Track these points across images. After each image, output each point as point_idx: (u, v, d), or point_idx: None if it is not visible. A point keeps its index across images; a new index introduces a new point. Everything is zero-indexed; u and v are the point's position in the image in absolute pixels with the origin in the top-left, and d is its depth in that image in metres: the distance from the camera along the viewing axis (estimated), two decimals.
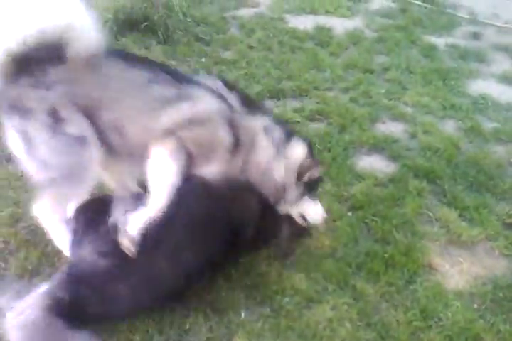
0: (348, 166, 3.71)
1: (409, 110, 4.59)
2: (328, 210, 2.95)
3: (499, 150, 4.10)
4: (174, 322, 2.44)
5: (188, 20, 5.75)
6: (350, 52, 5.69)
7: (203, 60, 5.21)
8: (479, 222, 3.28)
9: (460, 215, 3.35)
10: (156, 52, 5.22)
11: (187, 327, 2.43)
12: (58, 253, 2.61)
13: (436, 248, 3.11)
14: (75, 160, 2.31)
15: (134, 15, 5.42)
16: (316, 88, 4.82)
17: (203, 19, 6.02)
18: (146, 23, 5.36)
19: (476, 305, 2.74)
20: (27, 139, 2.23)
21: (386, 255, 2.96)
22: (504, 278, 2.91)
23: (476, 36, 6.40)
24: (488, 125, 4.44)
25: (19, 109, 2.22)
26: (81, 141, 2.30)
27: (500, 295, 2.79)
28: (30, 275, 2.60)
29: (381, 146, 4.01)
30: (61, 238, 2.50)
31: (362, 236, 3.13)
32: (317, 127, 4.21)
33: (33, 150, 2.24)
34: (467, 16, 7.02)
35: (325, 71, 5.15)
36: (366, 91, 4.80)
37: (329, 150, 3.87)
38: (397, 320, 2.58)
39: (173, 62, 5.13)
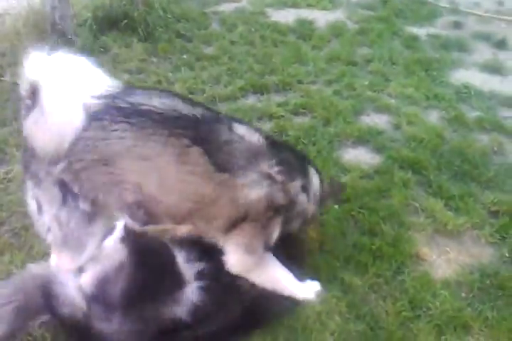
0: (334, 159, 3.71)
1: (393, 101, 4.60)
2: None
3: (483, 139, 4.11)
4: None
5: (169, 16, 5.73)
6: (332, 44, 5.70)
7: (185, 56, 5.20)
8: (465, 211, 3.29)
9: (446, 205, 3.35)
10: (137, 50, 5.19)
11: None
12: (43, 255, 2.58)
13: (423, 238, 3.11)
14: (78, 234, 2.18)
15: (114, 13, 5.39)
16: (299, 82, 4.83)
17: (184, 15, 6.01)
18: (125, 21, 5.34)
19: (463, 294, 2.75)
20: (38, 204, 2.14)
21: (374, 247, 2.96)
22: (491, 266, 2.92)
23: (457, 25, 6.44)
24: (472, 114, 4.46)
25: (31, 175, 2.12)
26: (89, 216, 2.16)
27: (488, 283, 2.80)
28: None
29: (366, 138, 4.01)
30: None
31: (349, 228, 3.12)
32: (301, 121, 4.20)
33: (41, 215, 2.15)
34: (448, 5, 7.05)
35: (308, 64, 5.15)
36: (350, 84, 4.80)
37: (314, 144, 3.87)
38: (386, 311, 2.59)
39: (154, 60, 5.12)
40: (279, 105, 4.39)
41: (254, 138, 2.30)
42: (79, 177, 2.06)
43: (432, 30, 6.20)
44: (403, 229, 3.13)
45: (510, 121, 4.38)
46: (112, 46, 5.18)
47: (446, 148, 3.92)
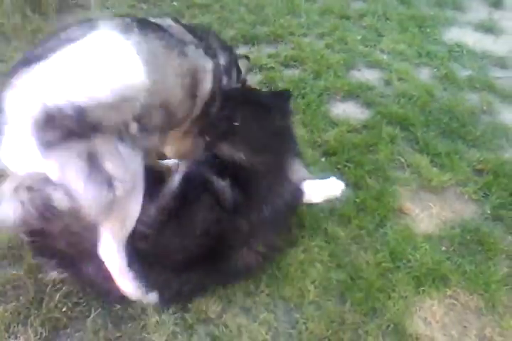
0: (322, 112, 3.69)
1: (384, 57, 4.54)
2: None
3: (473, 98, 4.09)
4: None
5: None
6: None
7: (175, 3, 5.06)
8: (450, 168, 3.30)
9: (431, 161, 3.37)
10: None
11: None
12: None
13: (407, 193, 3.14)
14: (139, 162, 2.06)
15: None
16: (291, 34, 4.74)
17: None
18: None
19: (444, 248, 2.79)
20: (91, 160, 1.85)
21: (358, 200, 2.98)
22: (472, 222, 2.96)
23: None
24: (463, 73, 4.42)
25: (81, 131, 1.84)
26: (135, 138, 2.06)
27: (468, 238, 2.85)
28: None
29: (356, 93, 3.98)
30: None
31: None
32: (292, 73, 4.15)
33: (97, 170, 1.87)
34: None
35: (301, 16, 5.05)
36: (342, 38, 4.72)
37: (303, 97, 3.83)
38: (367, 262, 2.63)
39: (144, 6, 4.98)
40: (269, 56, 4.32)
41: None
42: None
43: None
44: (388, 184, 3.15)
45: (500, 81, 4.34)
46: None
47: (436, 105, 3.91)
